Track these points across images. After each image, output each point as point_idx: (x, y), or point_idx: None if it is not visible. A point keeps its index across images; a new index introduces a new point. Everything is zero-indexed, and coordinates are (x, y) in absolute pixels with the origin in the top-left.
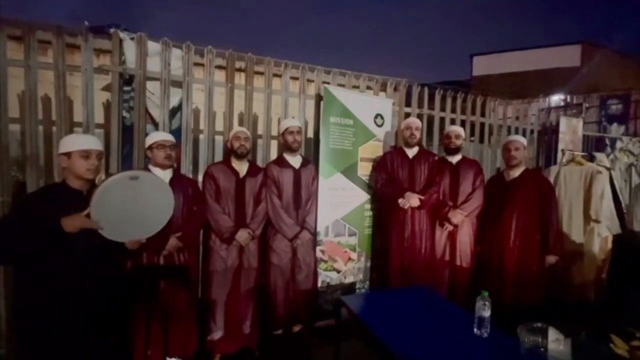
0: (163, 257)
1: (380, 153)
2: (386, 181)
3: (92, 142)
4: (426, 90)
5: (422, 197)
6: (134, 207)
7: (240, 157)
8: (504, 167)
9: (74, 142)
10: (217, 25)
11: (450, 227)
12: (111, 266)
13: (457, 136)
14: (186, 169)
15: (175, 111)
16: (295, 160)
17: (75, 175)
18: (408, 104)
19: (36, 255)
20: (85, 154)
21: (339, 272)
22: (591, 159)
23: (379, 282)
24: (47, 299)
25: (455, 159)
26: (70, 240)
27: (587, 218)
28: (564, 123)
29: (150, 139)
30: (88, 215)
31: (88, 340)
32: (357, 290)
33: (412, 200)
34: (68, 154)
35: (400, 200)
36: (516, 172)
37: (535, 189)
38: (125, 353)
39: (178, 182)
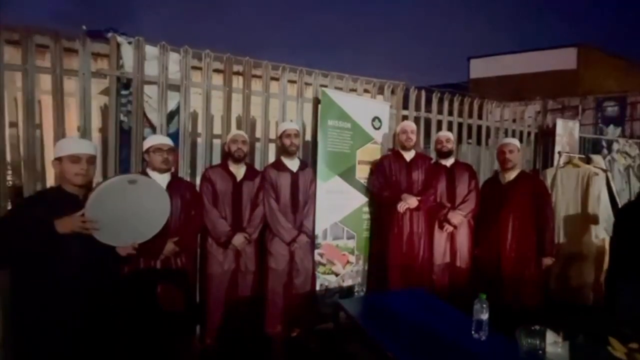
0: (160, 262)
1: (378, 156)
2: (384, 184)
3: (81, 146)
4: (423, 93)
5: (419, 198)
6: (129, 211)
7: (237, 160)
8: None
9: (64, 147)
10: (210, 26)
11: (451, 229)
12: (104, 270)
13: (448, 140)
14: (184, 173)
15: (172, 115)
16: (292, 164)
17: (65, 180)
18: (405, 106)
19: (30, 258)
20: (75, 159)
21: (337, 275)
22: (588, 161)
23: (378, 285)
24: (41, 303)
25: (449, 162)
26: (63, 242)
27: (584, 220)
28: (560, 125)
29: (148, 143)
30: (83, 217)
31: (82, 342)
32: (356, 294)
33: (409, 200)
34: (60, 159)
35: (399, 205)
36: (511, 175)
37: (531, 191)
38: (120, 355)
39: (176, 186)
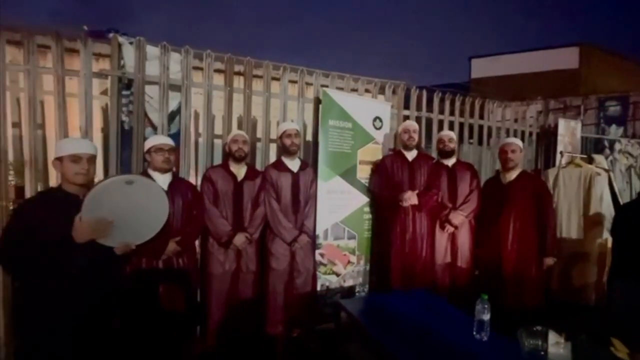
0: (162, 262)
1: (379, 156)
2: (385, 185)
3: (81, 146)
4: (425, 93)
5: (417, 192)
6: (126, 212)
7: (238, 160)
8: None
9: (64, 147)
10: (211, 26)
11: (452, 229)
12: (106, 270)
13: (450, 140)
14: (185, 173)
15: (174, 115)
16: (293, 164)
17: (66, 180)
18: (407, 106)
19: (47, 268)
20: (75, 158)
21: (338, 275)
22: (590, 160)
23: (379, 285)
24: (43, 302)
25: (450, 162)
26: (76, 248)
27: (586, 220)
28: (562, 125)
29: (149, 143)
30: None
31: (83, 342)
32: (357, 294)
33: (405, 196)
34: (60, 159)
35: (402, 201)
36: (512, 175)
37: (532, 190)
38: (121, 355)
39: (177, 186)
